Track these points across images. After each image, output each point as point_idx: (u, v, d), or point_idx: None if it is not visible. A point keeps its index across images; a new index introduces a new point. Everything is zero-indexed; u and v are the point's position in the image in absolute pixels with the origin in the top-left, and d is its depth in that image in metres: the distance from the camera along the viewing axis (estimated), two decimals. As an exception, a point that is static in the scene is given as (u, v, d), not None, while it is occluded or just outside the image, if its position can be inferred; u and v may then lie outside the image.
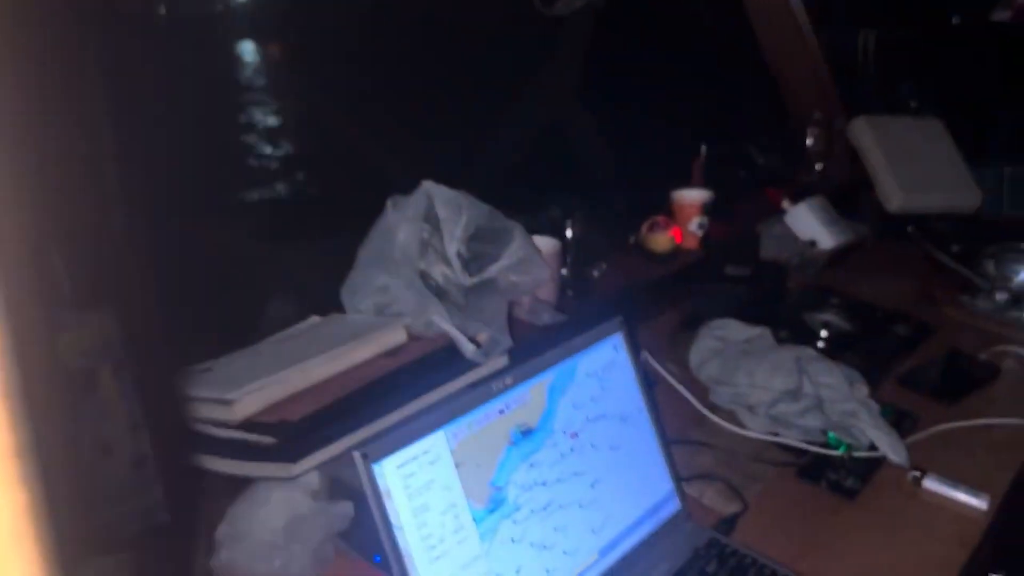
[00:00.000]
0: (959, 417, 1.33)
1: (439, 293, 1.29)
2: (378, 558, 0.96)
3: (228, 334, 1.23)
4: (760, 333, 1.45)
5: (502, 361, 1.22)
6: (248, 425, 0.98)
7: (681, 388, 1.39)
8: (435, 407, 0.89)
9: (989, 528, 1.11)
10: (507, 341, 1.22)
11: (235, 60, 1.41)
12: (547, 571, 0.91)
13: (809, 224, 1.91)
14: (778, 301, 1.73)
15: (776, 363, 1.33)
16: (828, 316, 1.65)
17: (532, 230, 1.48)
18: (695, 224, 1.81)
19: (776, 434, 1.27)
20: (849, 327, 1.63)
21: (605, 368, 1.05)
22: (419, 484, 0.80)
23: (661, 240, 1.77)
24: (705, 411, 1.34)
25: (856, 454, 1.23)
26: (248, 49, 1.48)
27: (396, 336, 1.18)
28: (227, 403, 0.98)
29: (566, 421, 0.98)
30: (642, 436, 1.07)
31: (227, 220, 1.37)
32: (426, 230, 1.29)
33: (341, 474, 0.99)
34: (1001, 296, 1.67)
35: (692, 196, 1.83)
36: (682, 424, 1.32)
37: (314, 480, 0.98)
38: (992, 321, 1.67)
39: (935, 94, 2.56)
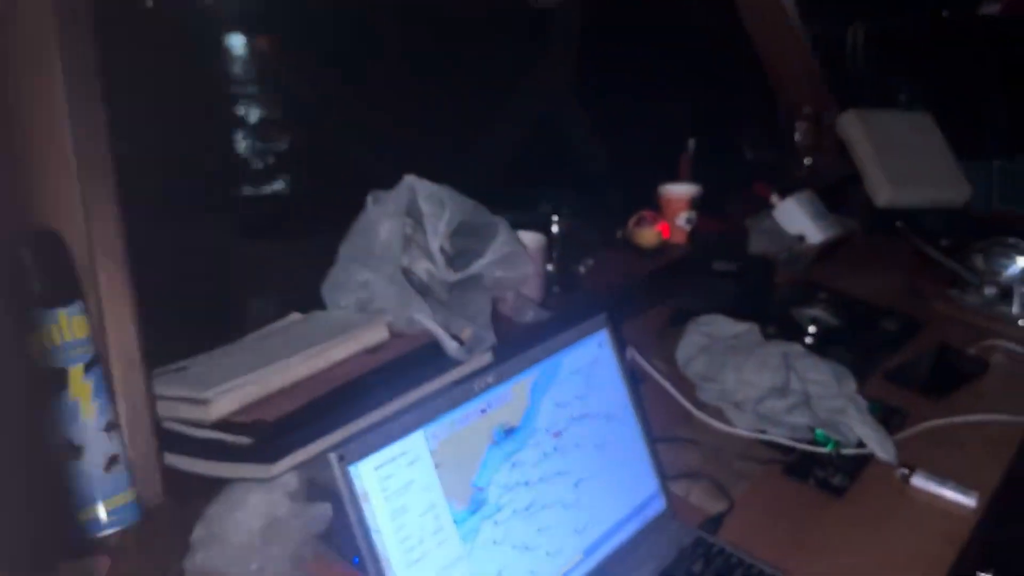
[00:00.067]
0: (948, 413, 1.32)
1: (422, 289, 1.27)
2: (357, 560, 0.94)
3: (206, 331, 1.20)
4: (748, 329, 1.43)
5: (486, 358, 1.20)
6: (223, 425, 0.96)
7: (668, 385, 1.37)
8: (415, 407, 0.87)
9: (978, 525, 1.09)
10: (491, 338, 1.20)
11: (217, 53, 1.39)
12: (530, 572, 0.89)
13: (798, 219, 1.90)
14: (766, 296, 1.72)
15: (763, 359, 1.31)
16: (816, 311, 1.64)
17: (521, 225, 1.46)
18: (683, 219, 1.79)
19: (763, 431, 1.26)
20: (837, 322, 1.62)
21: (590, 365, 1.03)
22: (398, 486, 0.78)
23: (648, 235, 1.76)
24: (692, 408, 1.33)
25: (844, 451, 1.22)
26: (232, 43, 1.45)
27: (377, 333, 1.16)
28: (202, 403, 0.96)
29: (549, 420, 0.96)
30: (627, 434, 1.05)
31: (206, 216, 1.35)
32: (409, 225, 1.27)
33: (319, 474, 0.97)
34: (990, 291, 1.66)
35: (680, 190, 1.82)
36: (668, 421, 1.30)
37: (292, 481, 0.96)
38: (981, 316, 1.66)
39: (925, 88, 2.56)
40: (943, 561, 1.03)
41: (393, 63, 1.71)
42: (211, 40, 1.40)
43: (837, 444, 1.22)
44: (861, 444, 1.22)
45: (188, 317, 1.26)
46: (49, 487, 0.86)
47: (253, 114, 1.48)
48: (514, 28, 1.99)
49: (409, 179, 1.24)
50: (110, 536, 0.89)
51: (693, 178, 1.89)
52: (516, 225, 1.43)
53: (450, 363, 1.16)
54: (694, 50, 2.41)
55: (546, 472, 0.93)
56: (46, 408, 0.87)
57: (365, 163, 1.60)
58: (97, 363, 0.90)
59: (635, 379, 1.38)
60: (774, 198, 1.92)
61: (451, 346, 1.15)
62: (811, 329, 1.58)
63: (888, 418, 1.30)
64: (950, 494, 1.13)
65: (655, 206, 1.82)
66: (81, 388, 0.88)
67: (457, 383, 1.03)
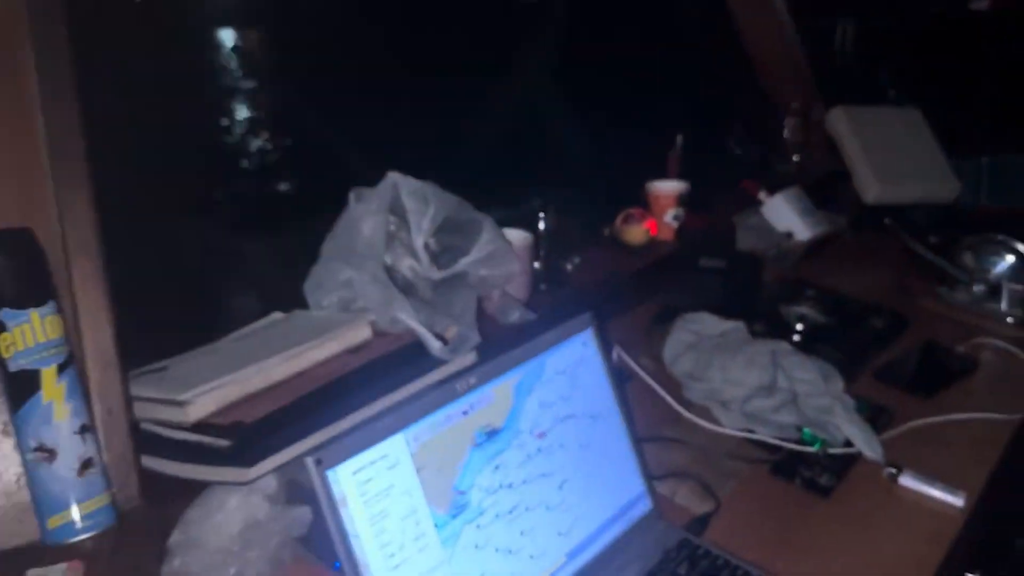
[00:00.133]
0: (936, 412, 1.31)
1: (406, 288, 1.25)
2: (338, 564, 0.92)
3: (186, 331, 1.19)
4: (735, 327, 1.42)
5: (470, 358, 1.19)
6: (202, 427, 0.94)
7: (654, 384, 1.36)
8: (395, 409, 0.85)
9: (965, 525, 1.09)
10: (475, 337, 1.18)
11: (197, 47, 1.36)
12: (513, 576, 0.88)
13: (785, 215, 1.89)
14: (754, 294, 1.71)
15: (751, 358, 1.30)
16: (804, 309, 1.63)
17: (508, 222, 1.45)
18: (670, 216, 1.78)
19: (750, 431, 1.25)
20: (825, 320, 1.61)
21: (574, 365, 1.01)
22: (377, 490, 0.77)
23: (636, 232, 1.75)
24: (678, 407, 1.32)
25: (831, 450, 1.21)
26: (213, 36, 1.43)
27: (360, 333, 1.14)
28: (179, 404, 0.94)
29: (533, 421, 0.94)
30: (613, 435, 1.04)
31: (186, 212, 1.33)
32: (393, 222, 1.25)
33: (299, 477, 0.95)
34: (979, 288, 1.66)
35: (667, 187, 1.81)
36: (655, 420, 1.29)
37: (271, 483, 0.95)
38: (970, 313, 1.66)
39: (913, 84, 2.55)
40: (930, 562, 1.02)
41: (376, 58, 1.68)
42: (191, 33, 1.37)
43: (824, 443, 1.21)
44: (848, 443, 1.21)
45: (168, 316, 1.24)
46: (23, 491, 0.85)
47: (235, 109, 1.45)
48: (500, 22, 1.97)
49: (392, 176, 1.22)
50: (84, 541, 0.87)
51: (681, 175, 1.88)
52: (503, 222, 1.42)
53: (434, 363, 1.15)
54: (682, 46, 2.40)
55: (530, 474, 0.92)
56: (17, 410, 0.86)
57: (349, 159, 1.58)
58: (71, 364, 0.89)
59: (621, 378, 1.37)
60: (762, 195, 1.92)
61: (435, 345, 1.13)
62: (798, 327, 1.57)
63: (875, 417, 1.29)
64: (938, 494, 1.13)
65: (643, 203, 1.80)
66: (54, 390, 0.86)
67: (439, 384, 1.01)
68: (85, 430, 0.88)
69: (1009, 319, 1.62)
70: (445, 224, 1.27)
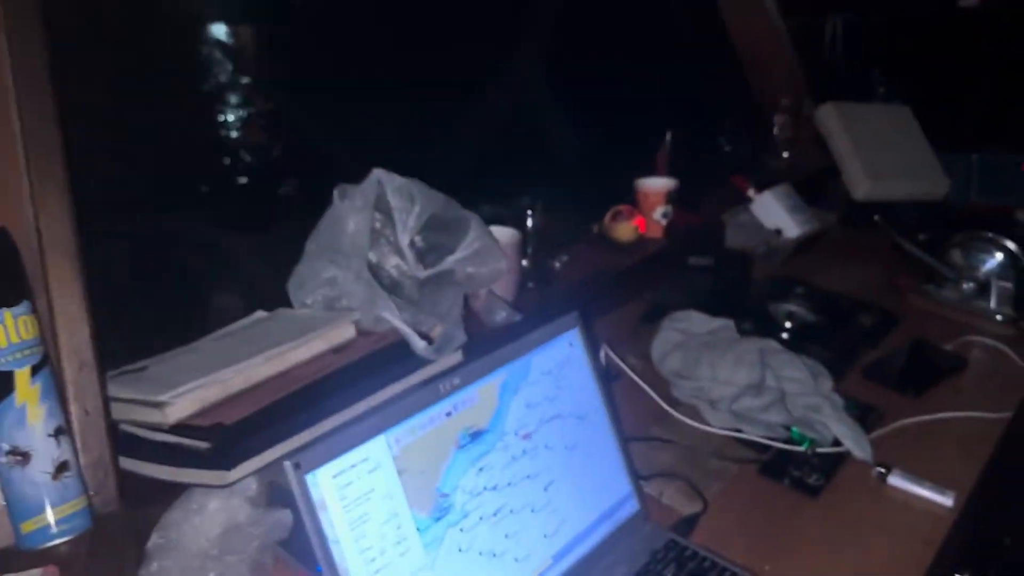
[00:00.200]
0: (925, 410, 1.30)
1: (393, 285, 1.24)
2: (320, 568, 0.91)
3: (167, 330, 1.17)
4: (723, 325, 1.41)
5: (456, 357, 1.17)
6: (181, 429, 0.92)
7: (641, 383, 1.35)
8: (376, 411, 0.84)
9: (955, 525, 1.08)
10: (461, 337, 1.17)
11: (177, 37, 1.34)
12: (497, 579, 0.86)
13: (775, 212, 1.88)
14: (742, 291, 1.70)
15: (739, 356, 1.29)
16: (793, 306, 1.62)
17: (496, 220, 1.44)
18: (659, 213, 1.77)
19: (738, 430, 1.24)
20: (814, 318, 1.60)
21: (560, 365, 1.00)
22: (357, 494, 0.75)
23: (625, 229, 1.73)
24: (666, 406, 1.30)
25: (820, 450, 1.20)
26: (193, 26, 1.41)
27: (344, 332, 1.13)
28: (158, 405, 0.92)
29: (519, 422, 0.93)
30: (599, 435, 1.02)
31: (167, 208, 1.31)
32: (378, 220, 1.24)
33: (281, 479, 0.93)
34: (968, 285, 1.65)
35: (656, 184, 1.79)
36: (642, 420, 1.28)
37: (252, 485, 0.93)
38: (959, 311, 1.65)
39: (903, 80, 2.55)
40: (920, 562, 1.01)
41: (365, 54, 1.67)
42: (173, 24, 1.35)
43: (813, 443, 1.20)
44: (837, 443, 1.20)
45: (149, 315, 1.22)
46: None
47: (218, 104, 1.43)
48: (490, 19, 1.96)
49: (377, 172, 1.21)
50: (59, 545, 0.85)
51: (670, 172, 1.86)
52: (491, 220, 1.40)
53: (419, 362, 1.13)
54: (672, 42, 2.39)
55: (515, 476, 0.91)
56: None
57: (335, 155, 1.57)
58: (46, 365, 0.87)
59: (608, 377, 1.36)
60: (751, 191, 1.91)
61: (419, 345, 1.12)
62: (787, 324, 1.57)
63: (864, 416, 1.28)
64: (927, 493, 1.12)
65: (631, 200, 1.79)
66: (28, 392, 0.84)
67: (423, 385, 1.00)
68: (60, 432, 0.86)
69: (998, 317, 1.62)
70: (431, 222, 1.25)
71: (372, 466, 0.77)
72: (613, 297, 1.68)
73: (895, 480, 1.14)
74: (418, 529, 0.80)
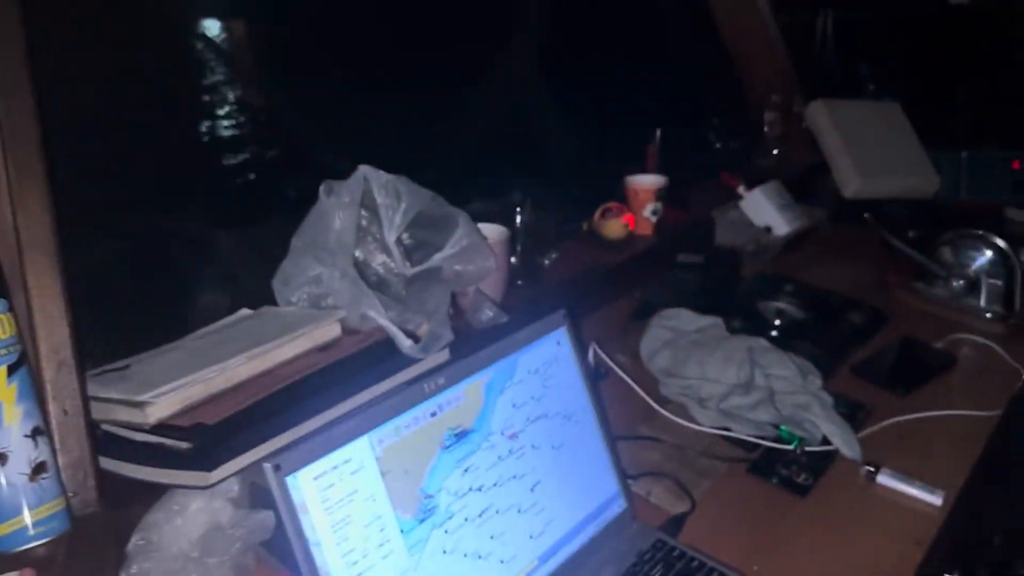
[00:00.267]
0: (914, 408, 1.30)
1: (379, 283, 1.22)
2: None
3: (150, 329, 1.15)
4: (712, 323, 1.41)
5: (444, 356, 1.16)
6: (162, 429, 0.91)
7: (630, 381, 1.34)
8: (359, 412, 0.82)
9: (945, 525, 1.07)
10: (448, 335, 1.16)
11: (159, 33, 1.32)
12: (483, 581, 0.85)
13: (764, 210, 1.87)
14: (732, 289, 1.69)
15: (728, 354, 1.29)
16: (782, 304, 1.62)
17: (485, 217, 1.42)
18: (649, 210, 1.76)
19: (727, 429, 1.23)
20: (803, 315, 1.60)
21: (547, 364, 0.99)
22: (339, 496, 0.74)
23: (614, 227, 1.73)
24: (655, 405, 1.30)
25: (809, 448, 1.19)
26: (185, 25, 1.39)
27: (329, 331, 1.11)
28: (139, 405, 0.91)
29: (505, 421, 0.92)
30: (586, 435, 1.01)
31: (151, 205, 1.29)
32: (365, 217, 1.22)
33: (262, 480, 0.92)
34: (957, 283, 1.65)
35: (646, 182, 1.79)
36: (631, 418, 1.27)
37: (235, 486, 0.92)
38: (948, 309, 1.65)
39: (894, 78, 2.54)
40: (910, 562, 1.00)
41: (355, 51, 1.65)
42: (154, 20, 1.33)
43: (802, 441, 1.19)
44: (826, 441, 1.20)
45: (131, 313, 1.20)
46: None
47: (202, 99, 1.42)
48: (481, 17, 1.95)
49: (363, 169, 1.19)
50: (36, 548, 0.84)
51: (660, 169, 1.86)
52: (480, 217, 1.39)
53: (406, 361, 1.12)
54: (662, 39, 2.38)
55: (501, 476, 0.90)
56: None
57: (324, 152, 1.55)
58: (24, 364, 0.85)
59: (596, 376, 1.35)
60: (741, 189, 1.90)
61: (405, 343, 1.11)
62: (776, 322, 1.56)
63: (853, 414, 1.28)
64: (916, 492, 1.11)
65: (621, 198, 1.78)
66: (5, 392, 0.83)
67: (407, 385, 0.99)
68: (38, 433, 0.85)
69: (988, 314, 1.61)
70: (418, 219, 1.24)
71: (355, 467, 0.76)
72: (602, 295, 1.67)
73: (884, 479, 1.14)
74: (402, 531, 0.79)
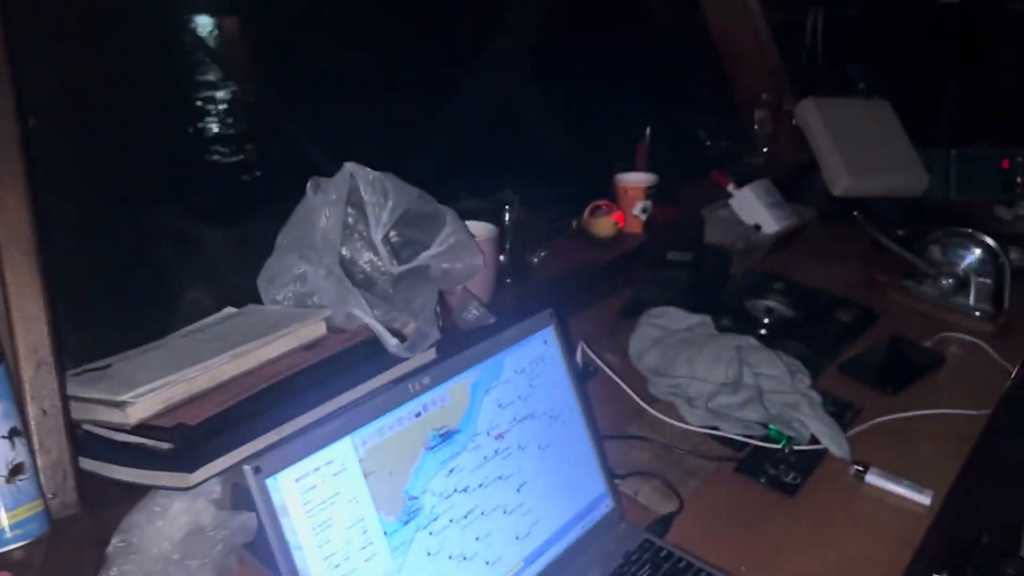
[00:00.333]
0: (903, 407, 1.30)
1: (366, 281, 1.21)
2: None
3: (133, 327, 1.14)
4: (701, 321, 1.40)
5: (430, 355, 1.15)
6: (143, 429, 0.89)
7: (618, 380, 1.33)
8: (342, 412, 0.81)
9: (933, 525, 1.07)
10: (435, 334, 1.15)
11: (139, 27, 1.31)
12: (468, 583, 0.84)
13: (754, 208, 1.87)
14: (721, 287, 1.69)
15: (716, 353, 1.28)
16: (771, 302, 1.61)
17: (474, 215, 1.42)
18: (639, 208, 1.75)
19: (715, 428, 1.22)
20: (792, 313, 1.59)
21: (534, 364, 0.98)
22: (321, 498, 0.73)
23: (604, 225, 1.72)
24: (643, 404, 1.29)
25: (797, 448, 1.19)
26: (171, 20, 1.38)
27: (314, 329, 1.10)
28: (119, 405, 0.89)
29: (491, 422, 0.91)
30: (573, 435, 1.01)
31: (133, 200, 1.28)
32: (351, 215, 1.21)
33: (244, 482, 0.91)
34: (947, 281, 1.65)
35: (636, 180, 1.78)
36: (619, 417, 1.26)
37: (217, 487, 0.91)
38: (938, 307, 1.65)
39: (884, 76, 2.54)
40: (898, 562, 1.00)
41: (344, 47, 1.64)
42: (142, 17, 1.32)
43: (790, 440, 1.19)
44: (815, 440, 1.19)
45: (114, 311, 1.19)
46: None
47: (187, 93, 1.40)
48: (471, 14, 1.94)
49: (349, 166, 1.18)
50: (13, 551, 0.83)
51: (650, 167, 1.85)
52: (469, 215, 1.38)
53: (392, 360, 1.11)
54: (652, 37, 2.38)
55: (486, 477, 0.89)
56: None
57: (310, 147, 1.54)
58: (1, 364, 0.84)
59: (585, 375, 1.34)
60: (731, 187, 1.89)
61: (391, 342, 1.10)
62: (765, 320, 1.56)
63: (842, 413, 1.27)
64: (905, 492, 1.11)
65: (611, 195, 1.78)
66: (-21, 391, 0.81)
67: (392, 385, 0.98)
68: (15, 434, 0.83)
69: (977, 313, 1.61)
70: (406, 216, 1.23)
71: (337, 469, 0.75)
72: (592, 293, 1.66)
73: (873, 478, 1.13)
74: (385, 533, 0.78)
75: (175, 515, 0.88)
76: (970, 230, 1.66)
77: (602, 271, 1.68)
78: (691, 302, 1.46)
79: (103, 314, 1.20)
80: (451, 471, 0.85)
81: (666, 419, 1.25)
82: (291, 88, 1.52)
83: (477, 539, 0.86)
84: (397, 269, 1.23)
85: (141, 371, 0.96)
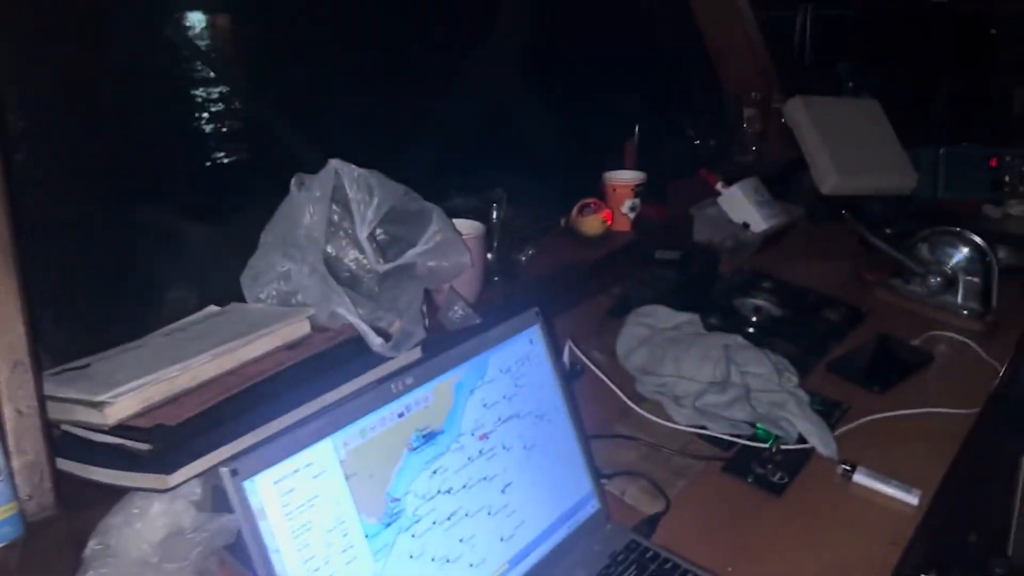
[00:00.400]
0: (891, 406, 1.29)
1: (352, 280, 1.20)
2: None
3: (113, 326, 1.12)
4: (689, 319, 1.39)
5: (415, 354, 1.14)
6: (121, 430, 0.88)
7: (605, 379, 1.32)
8: (323, 413, 0.80)
9: (921, 524, 1.06)
10: (420, 333, 1.13)
11: (120, 21, 1.29)
12: (452, 585, 0.83)
13: (743, 206, 1.86)
14: (709, 285, 1.68)
15: (704, 352, 1.27)
16: (759, 301, 1.60)
17: (462, 213, 1.40)
18: (627, 206, 1.75)
19: (702, 427, 1.22)
20: (780, 312, 1.59)
21: (520, 363, 0.97)
22: (300, 501, 0.72)
23: (592, 223, 1.71)
24: (630, 403, 1.28)
25: (784, 447, 1.18)
26: (156, 16, 1.36)
27: (298, 328, 1.09)
28: (98, 405, 0.88)
29: (475, 422, 0.90)
30: (559, 435, 1.00)
31: (114, 196, 1.26)
32: (336, 212, 1.20)
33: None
34: (935, 280, 1.64)
35: (624, 178, 1.77)
36: (606, 417, 1.25)
37: (196, 489, 0.89)
38: (926, 306, 1.64)
39: (873, 74, 2.55)
40: (886, 563, 0.99)
41: (333, 43, 1.62)
42: (123, 10, 1.30)
43: (777, 439, 1.18)
44: (802, 439, 1.19)
45: (94, 310, 1.17)
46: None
47: (169, 90, 1.39)
48: (459, 11, 1.92)
49: (333, 163, 1.17)
50: (-10, 554, 0.81)
51: (638, 165, 1.84)
52: (457, 212, 1.37)
53: (376, 359, 1.10)
54: (641, 34, 2.37)
55: (471, 478, 0.88)
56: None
57: (297, 144, 1.52)
58: (-25, 364, 0.82)
59: (572, 374, 1.33)
60: (719, 185, 1.89)
61: (375, 342, 1.08)
62: (753, 319, 1.55)
63: (830, 412, 1.27)
64: (893, 492, 1.10)
65: (599, 194, 1.77)
66: (-46, 392, 0.80)
67: (374, 385, 0.97)
68: (-10, 435, 0.82)
69: (965, 311, 1.61)
70: (392, 214, 1.22)
71: (317, 471, 0.73)
72: (580, 291, 1.65)
73: (860, 478, 1.12)
74: (366, 536, 0.76)
75: (154, 517, 0.87)
76: (958, 229, 1.66)
77: (590, 269, 1.68)
78: (679, 300, 1.45)
79: (83, 312, 1.18)
80: (434, 472, 0.84)
81: (653, 418, 1.24)
82: (277, 85, 1.50)
83: (461, 541, 0.85)
84: (382, 267, 1.22)
85: (120, 371, 0.95)
